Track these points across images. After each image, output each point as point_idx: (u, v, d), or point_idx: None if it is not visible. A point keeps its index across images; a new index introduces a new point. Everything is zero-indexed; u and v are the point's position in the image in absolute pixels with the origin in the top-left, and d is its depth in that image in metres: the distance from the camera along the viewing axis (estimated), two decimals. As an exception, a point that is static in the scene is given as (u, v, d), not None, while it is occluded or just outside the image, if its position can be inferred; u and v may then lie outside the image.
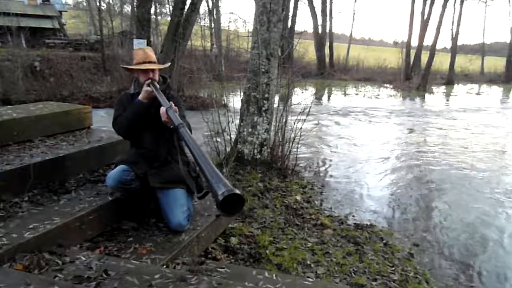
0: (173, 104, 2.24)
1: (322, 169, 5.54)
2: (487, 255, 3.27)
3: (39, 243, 1.96)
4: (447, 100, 17.03)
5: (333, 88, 18.98)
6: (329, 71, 22.03)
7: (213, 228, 2.66)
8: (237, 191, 1.56)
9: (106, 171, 2.82)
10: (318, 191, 4.56)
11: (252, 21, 4.80)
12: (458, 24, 23.18)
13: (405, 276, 2.73)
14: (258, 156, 4.72)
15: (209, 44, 23.09)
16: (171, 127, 2.19)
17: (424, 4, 22.76)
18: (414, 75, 21.35)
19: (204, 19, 25.71)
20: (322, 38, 24.36)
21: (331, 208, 4.06)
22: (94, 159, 2.97)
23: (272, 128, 4.87)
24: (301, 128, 4.90)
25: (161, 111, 2.24)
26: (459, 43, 25.89)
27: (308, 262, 2.72)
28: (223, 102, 6.01)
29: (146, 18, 10.91)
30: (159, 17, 26.00)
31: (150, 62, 2.51)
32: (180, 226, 2.38)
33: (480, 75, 29.30)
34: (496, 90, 22.41)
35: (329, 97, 16.24)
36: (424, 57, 21.47)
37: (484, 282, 2.88)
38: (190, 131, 2.21)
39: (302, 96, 11.93)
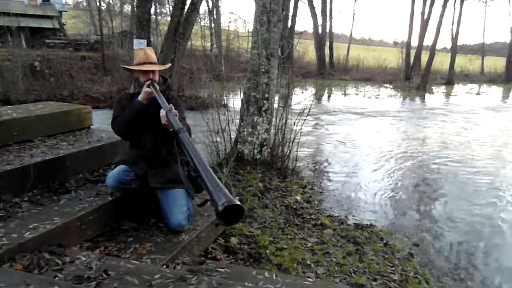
0: (173, 107, 2.24)
1: (322, 169, 5.54)
2: (488, 256, 3.27)
3: (39, 243, 1.96)
4: (447, 100, 17.02)
5: (333, 88, 18.96)
6: (329, 71, 22.01)
7: (213, 228, 2.66)
8: (237, 202, 1.56)
9: (106, 171, 2.82)
10: (318, 191, 4.56)
11: (252, 21, 4.80)
12: (458, 24, 23.21)
13: (405, 276, 2.73)
14: (258, 156, 4.72)
15: (209, 44, 23.09)
16: (171, 130, 2.19)
17: (424, 4, 22.76)
18: (414, 75, 21.33)
19: (204, 19, 25.78)
20: (322, 38, 24.37)
21: (331, 208, 4.06)
22: (94, 159, 2.97)
23: (272, 128, 4.87)
24: (301, 128, 4.90)
25: (161, 114, 2.23)
26: (459, 43, 25.89)
27: (308, 262, 2.71)
28: (223, 102, 6.01)
29: (146, 18, 10.91)
30: (159, 17, 26.08)
31: (150, 62, 2.51)
32: (180, 226, 2.38)
33: (480, 75, 29.27)
34: (496, 90, 22.39)
35: (329, 97, 16.21)
36: (424, 57, 21.46)
37: (484, 283, 2.88)
38: (190, 134, 2.20)
39: (302, 96, 11.93)
